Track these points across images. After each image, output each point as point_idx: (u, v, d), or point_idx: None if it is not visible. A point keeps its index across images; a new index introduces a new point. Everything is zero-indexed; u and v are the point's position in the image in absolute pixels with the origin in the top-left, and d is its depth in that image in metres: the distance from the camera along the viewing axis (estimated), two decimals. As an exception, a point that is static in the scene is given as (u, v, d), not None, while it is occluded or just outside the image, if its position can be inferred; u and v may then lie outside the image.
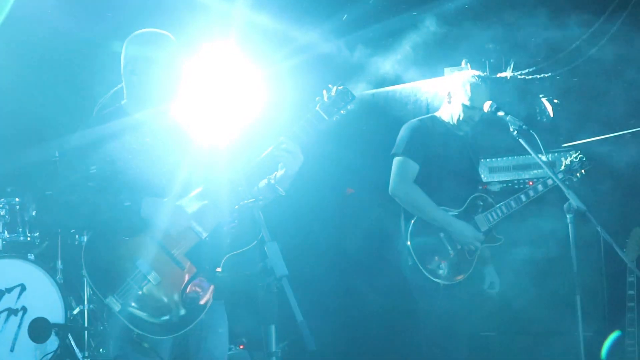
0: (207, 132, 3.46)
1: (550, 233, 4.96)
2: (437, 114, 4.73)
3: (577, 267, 4.09)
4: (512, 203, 4.59)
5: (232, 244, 3.15)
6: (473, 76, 4.60)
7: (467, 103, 4.54)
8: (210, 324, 3.25)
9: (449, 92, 4.64)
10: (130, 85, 3.36)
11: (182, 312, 3.11)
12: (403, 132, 4.63)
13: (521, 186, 5.20)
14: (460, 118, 4.58)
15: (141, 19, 4.89)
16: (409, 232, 4.45)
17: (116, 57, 3.42)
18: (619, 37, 5.37)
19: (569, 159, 4.71)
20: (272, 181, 3.21)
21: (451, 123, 4.64)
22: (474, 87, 4.53)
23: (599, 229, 3.83)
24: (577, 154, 4.72)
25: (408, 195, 4.49)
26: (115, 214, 3.11)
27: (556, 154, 5.13)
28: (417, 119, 4.71)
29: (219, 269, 3.13)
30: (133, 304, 3.04)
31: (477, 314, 4.66)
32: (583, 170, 4.70)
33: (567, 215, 4.07)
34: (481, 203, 4.63)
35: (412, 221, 4.46)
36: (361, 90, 6.05)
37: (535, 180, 5.02)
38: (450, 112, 4.64)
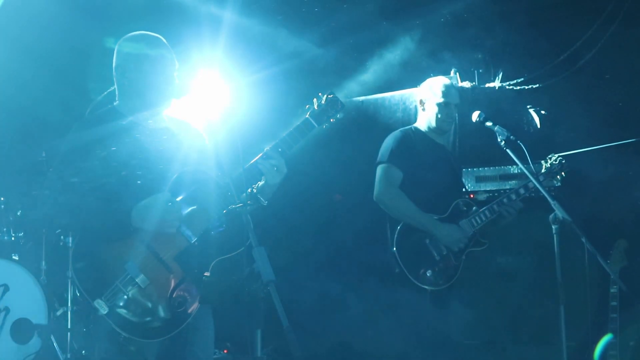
0: (197, 136, 3.47)
1: (536, 243, 4.99)
2: (416, 125, 4.82)
3: (561, 277, 4.12)
4: (495, 207, 4.64)
5: (220, 249, 3.16)
6: (438, 78, 4.78)
7: (441, 100, 4.65)
8: (196, 327, 3.25)
9: (420, 99, 4.75)
10: (122, 86, 3.36)
11: (169, 315, 3.11)
12: (387, 142, 4.71)
13: (508, 195, 5.22)
14: (438, 120, 4.66)
15: (133, 17, 4.90)
16: (395, 239, 4.48)
17: (108, 53, 3.42)
18: (607, 49, 5.42)
19: (549, 162, 4.76)
20: (255, 190, 3.24)
21: (430, 131, 4.73)
22: (443, 85, 4.68)
23: (583, 239, 3.86)
24: (557, 156, 4.76)
25: (392, 200, 4.54)
26: (105, 220, 3.11)
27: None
28: (399, 130, 4.79)
29: (207, 274, 3.14)
30: (121, 307, 3.04)
31: (463, 322, 4.68)
32: (563, 173, 4.75)
33: (553, 226, 4.11)
34: (465, 208, 4.68)
35: (398, 228, 4.49)
36: (350, 97, 6.07)
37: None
38: (427, 119, 4.73)
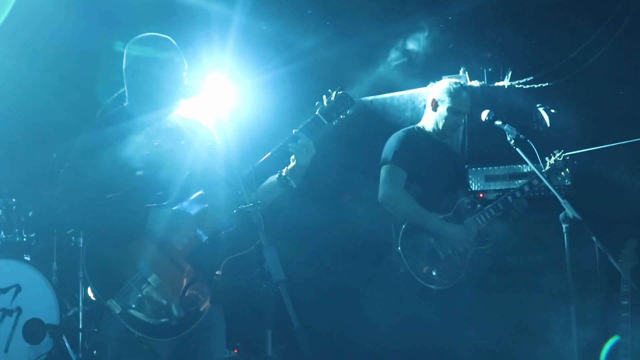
0: (207, 135, 3.48)
1: (546, 242, 4.97)
2: (420, 124, 4.82)
3: (572, 276, 4.10)
4: (500, 205, 4.64)
5: (231, 248, 3.17)
6: (455, 83, 4.76)
7: (455, 108, 4.66)
8: (208, 327, 3.25)
9: (433, 99, 4.73)
10: (131, 88, 3.37)
11: (182, 314, 3.12)
12: (390, 142, 4.71)
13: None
14: (446, 124, 4.68)
15: (141, 21, 4.92)
16: (400, 238, 4.48)
17: (117, 56, 3.43)
18: (616, 47, 5.40)
19: (552, 159, 4.73)
20: (284, 174, 3.23)
21: (435, 132, 4.74)
22: (456, 92, 4.68)
23: (594, 238, 3.85)
24: (561, 152, 4.74)
25: (397, 200, 4.53)
26: (117, 221, 3.12)
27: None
28: (402, 130, 4.79)
29: (218, 272, 3.15)
30: (133, 307, 3.05)
31: (472, 322, 4.67)
32: (567, 169, 4.73)
33: (563, 225, 4.09)
34: (469, 207, 4.68)
35: (403, 227, 4.49)
36: (359, 96, 6.06)
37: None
38: (434, 120, 4.73)
